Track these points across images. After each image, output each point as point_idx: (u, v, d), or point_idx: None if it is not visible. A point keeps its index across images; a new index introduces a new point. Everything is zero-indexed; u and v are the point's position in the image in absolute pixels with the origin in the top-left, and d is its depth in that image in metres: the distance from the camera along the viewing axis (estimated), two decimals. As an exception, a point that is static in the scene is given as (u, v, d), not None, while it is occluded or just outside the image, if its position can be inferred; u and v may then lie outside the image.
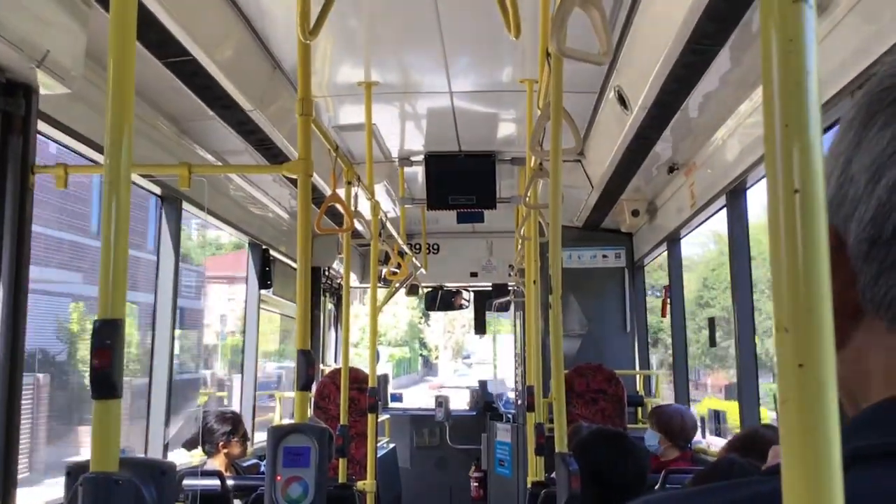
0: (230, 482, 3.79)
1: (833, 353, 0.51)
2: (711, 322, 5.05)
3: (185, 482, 3.56)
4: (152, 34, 2.99)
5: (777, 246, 0.51)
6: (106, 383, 1.49)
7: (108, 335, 1.50)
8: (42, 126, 3.06)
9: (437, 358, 38.46)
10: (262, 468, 4.62)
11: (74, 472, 1.68)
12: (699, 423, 4.96)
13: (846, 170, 0.58)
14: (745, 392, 4.09)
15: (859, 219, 0.56)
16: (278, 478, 2.50)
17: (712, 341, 5.14)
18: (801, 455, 0.49)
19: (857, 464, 0.48)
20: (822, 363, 0.50)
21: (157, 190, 4.17)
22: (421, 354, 37.61)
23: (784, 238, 0.50)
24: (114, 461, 1.47)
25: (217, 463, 4.26)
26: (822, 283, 0.50)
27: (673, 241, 5.74)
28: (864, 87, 0.62)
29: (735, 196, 4.22)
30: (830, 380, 0.50)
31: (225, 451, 4.28)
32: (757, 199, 4.21)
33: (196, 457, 4.57)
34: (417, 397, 12.66)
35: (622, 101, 3.91)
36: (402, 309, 32.48)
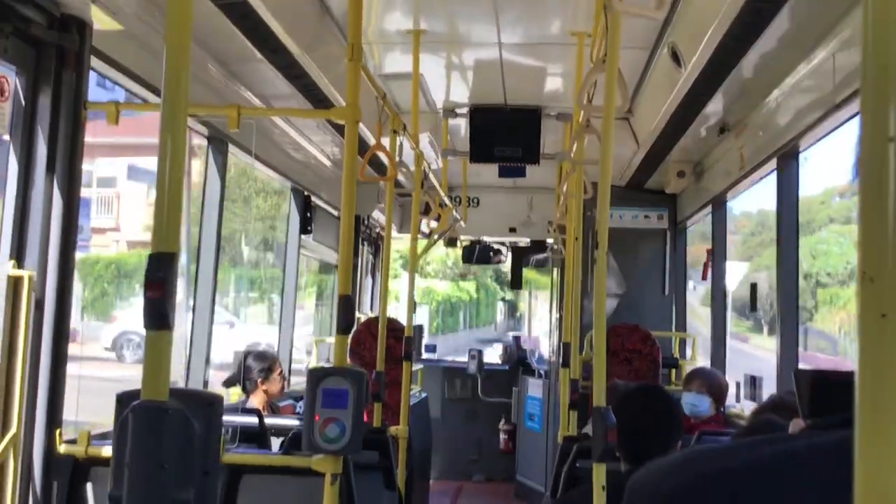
0: (268, 420, 3.87)
1: (916, 304, 0.50)
2: (753, 288, 5.01)
3: (225, 418, 3.64)
4: (205, -27, 2.99)
5: (867, 193, 0.50)
6: (159, 314, 1.52)
7: (161, 268, 1.53)
8: (95, 63, 3.09)
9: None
10: (298, 409, 4.71)
11: (125, 401, 1.73)
12: (735, 388, 4.97)
13: None
14: (786, 358, 4.07)
15: None
16: (316, 417, 2.55)
17: (753, 306, 5.10)
18: (877, 406, 0.49)
19: None
20: (906, 314, 0.49)
21: (205, 131, 4.20)
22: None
23: (874, 187, 0.49)
24: (164, 390, 1.51)
25: (256, 401, 4.35)
26: (911, 233, 0.49)
27: (718, 204, 5.66)
28: None
29: (786, 160, 4.13)
30: (913, 331, 0.49)
31: (264, 388, 4.38)
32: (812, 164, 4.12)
33: (234, 395, 4.68)
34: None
35: (676, 58, 3.83)
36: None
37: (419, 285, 21.81)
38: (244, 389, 4.42)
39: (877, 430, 0.48)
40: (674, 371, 6.34)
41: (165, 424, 1.52)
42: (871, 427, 0.49)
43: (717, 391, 4.36)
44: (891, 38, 0.47)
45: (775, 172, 4.24)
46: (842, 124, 3.52)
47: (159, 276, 1.54)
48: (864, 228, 0.50)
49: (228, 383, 4.60)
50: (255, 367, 4.40)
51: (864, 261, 0.50)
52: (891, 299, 0.49)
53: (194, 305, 4.33)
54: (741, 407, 4.90)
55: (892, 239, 0.49)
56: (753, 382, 4.77)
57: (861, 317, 0.50)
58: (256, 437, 3.67)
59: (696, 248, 6.89)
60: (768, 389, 4.55)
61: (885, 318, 0.50)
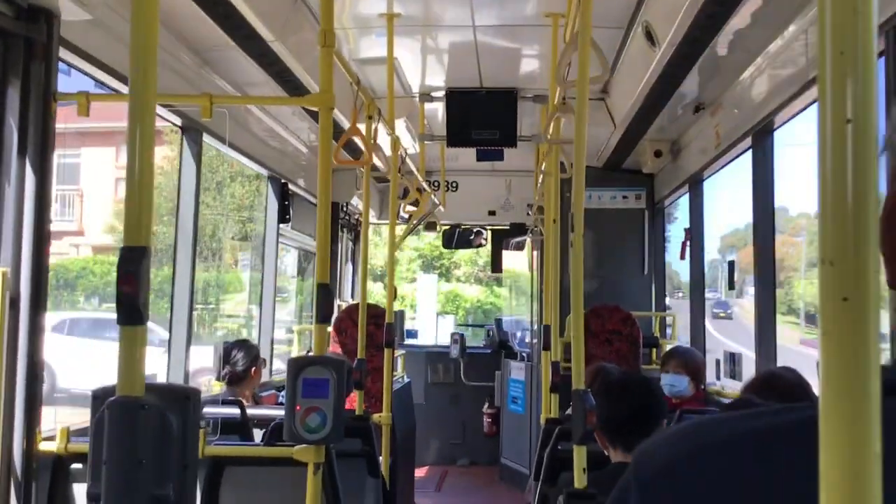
0: (250, 411, 3.86)
1: (877, 287, 0.50)
2: (731, 265, 5.04)
3: (206, 410, 3.63)
4: (173, -40, 2.95)
5: (826, 177, 0.50)
6: (132, 309, 1.50)
7: (133, 262, 1.51)
8: (63, 54, 3.04)
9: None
10: (281, 398, 4.70)
11: (101, 397, 1.71)
12: (715, 366, 5.01)
13: None
14: (763, 335, 4.10)
15: None
16: (297, 408, 2.54)
17: (731, 284, 5.14)
18: (840, 387, 0.49)
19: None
20: (865, 297, 0.49)
21: (178, 120, 4.15)
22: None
23: (833, 169, 0.49)
24: (139, 386, 1.50)
25: (244, 392, 4.31)
26: (870, 217, 0.49)
27: (696, 183, 5.68)
28: None
29: (761, 137, 4.15)
30: (873, 314, 0.49)
31: (253, 378, 4.35)
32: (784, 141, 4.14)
33: (216, 386, 4.65)
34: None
35: (650, 36, 3.83)
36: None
37: (442, 290, 20.62)
38: (230, 381, 4.37)
39: (840, 412, 0.49)
40: (654, 350, 6.38)
41: (141, 420, 1.51)
42: (834, 409, 0.49)
43: (693, 369, 4.38)
44: (847, 23, 0.47)
45: (751, 150, 4.26)
46: (815, 101, 3.53)
47: (131, 269, 1.52)
48: (823, 212, 0.50)
49: (224, 377, 4.52)
50: (244, 358, 4.35)
51: (825, 244, 0.50)
52: (851, 282, 0.49)
53: (172, 299, 4.29)
54: (721, 385, 4.95)
55: (851, 222, 0.49)
56: (733, 359, 4.81)
57: (822, 301, 0.50)
58: (238, 428, 3.65)
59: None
60: (748, 366, 4.59)
61: (845, 302, 0.50)
